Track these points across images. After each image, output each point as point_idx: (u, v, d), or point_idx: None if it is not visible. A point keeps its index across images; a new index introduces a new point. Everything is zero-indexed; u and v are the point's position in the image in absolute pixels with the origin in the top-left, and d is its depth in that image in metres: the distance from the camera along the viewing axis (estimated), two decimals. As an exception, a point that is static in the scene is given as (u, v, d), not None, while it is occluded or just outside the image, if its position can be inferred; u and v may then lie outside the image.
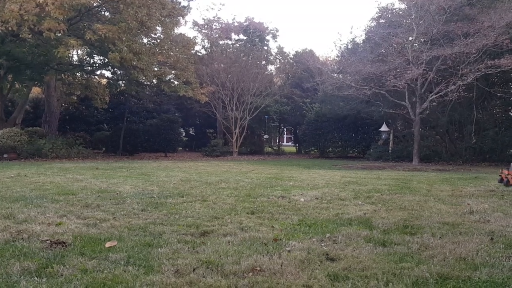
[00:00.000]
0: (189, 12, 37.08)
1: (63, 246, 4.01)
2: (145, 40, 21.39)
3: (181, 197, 7.16)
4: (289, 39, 50.80)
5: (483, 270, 3.42)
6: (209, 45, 30.19)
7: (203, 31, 30.48)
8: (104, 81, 26.19)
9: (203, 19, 35.51)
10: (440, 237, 4.49)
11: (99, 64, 23.36)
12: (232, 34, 31.83)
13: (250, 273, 3.34)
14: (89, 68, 23.85)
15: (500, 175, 9.63)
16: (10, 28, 15.16)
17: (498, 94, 19.70)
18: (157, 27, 20.25)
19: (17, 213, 5.47)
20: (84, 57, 24.55)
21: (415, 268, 3.45)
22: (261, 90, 25.98)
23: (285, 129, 39.75)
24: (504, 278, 3.27)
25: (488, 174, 13.24)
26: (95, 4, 18.17)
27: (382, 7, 21.92)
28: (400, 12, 21.52)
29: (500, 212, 5.97)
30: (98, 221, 5.14)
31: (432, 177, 12.05)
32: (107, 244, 4.07)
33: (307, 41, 77.84)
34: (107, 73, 25.56)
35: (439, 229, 4.89)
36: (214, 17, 30.72)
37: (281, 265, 3.50)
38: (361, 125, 26.12)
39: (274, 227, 4.96)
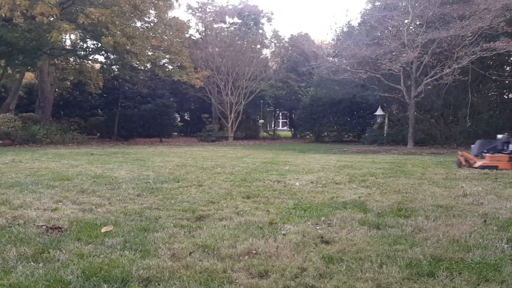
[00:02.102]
0: (183, -6, 36.64)
1: (59, 231, 4.02)
2: (138, 24, 21.18)
3: (176, 182, 7.17)
4: (284, 23, 50.64)
5: (476, 252, 3.47)
6: (203, 29, 29.92)
7: (197, 14, 30.17)
8: (97, 66, 25.98)
9: (197, 2, 35.00)
10: (433, 220, 4.53)
11: (92, 48, 23.14)
12: (227, 17, 31.54)
13: (246, 256, 3.37)
14: (82, 52, 23.61)
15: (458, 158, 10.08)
16: (2, 13, 14.95)
17: (493, 77, 19.73)
18: (150, 11, 20.04)
19: (13, 199, 5.47)
20: (77, 42, 24.29)
21: (408, 250, 3.49)
22: (256, 74, 25.86)
23: (280, 114, 39.74)
24: (497, 260, 3.31)
25: (482, 157, 13.31)
26: (87, -12, 17.94)
27: (378, -11, 21.77)
28: (396, -5, 21.37)
29: (493, 195, 6.03)
30: (94, 206, 5.15)
31: (427, 160, 12.12)
32: (103, 229, 4.09)
33: (303, 25, 77.34)
34: (101, 58, 25.36)
35: (432, 212, 4.94)
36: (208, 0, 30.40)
37: (277, 248, 3.53)
38: (356, 109, 26.14)
39: (269, 211, 4.98)
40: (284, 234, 3.97)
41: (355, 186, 6.88)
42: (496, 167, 9.29)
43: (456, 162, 10.17)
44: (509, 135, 10.54)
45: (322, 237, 3.88)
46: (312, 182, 7.25)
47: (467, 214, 4.79)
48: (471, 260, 3.30)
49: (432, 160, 12.33)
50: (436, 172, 8.93)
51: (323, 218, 4.60)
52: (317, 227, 4.25)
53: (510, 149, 9.74)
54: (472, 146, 10.77)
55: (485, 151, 9.92)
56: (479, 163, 9.66)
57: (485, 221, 4.49)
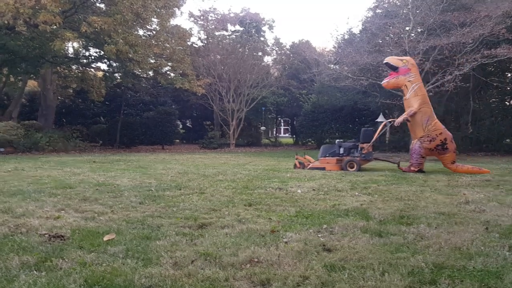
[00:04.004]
0: (185, 3, 36.79)
1: (61, 239, 4.03)
2: (140, 32, 21.29)
3: (178, 190, 7.18)
4: (285, 30, 50.81)
5: (478, 260, 3.46)
6: (205, 37, 30.04)
7: (199, 22, 30.32)
8: (100, 73, 26.07)
9: (199, 10, 35.34)
10: (435, 227, 4.53)
11: (94, 56, 23.25)
12: (228, 25, 31.69)
13: (248, 265, 3.37)
14: (84, 60, 23.71)
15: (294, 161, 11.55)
16: (6, 22, 15.06)
17: (495, 84, 19.74)
18: (153, 19, 20.15)
19: (15, 207, 5.48)
20: (80, 50, 24.41)
21: (410, 258, 3.49)
22: (258, 81, 25.93)
23: (282, 121, 39.77)
24: (499, 267, 3.31)
25: (485, 164, 13.30)
26: (90, -4, 18.06)
27: (378, -3, 21.87)
28: (397, 2, 21.49)
29: (495, 202, 6.02)
30: (96, 215, 5.16)
31: (428, 167, 12.10)
32: (106, 237, 4.10)
33: (304, 32, 77.62)
34: (103, 66, 25.44)
35: (434, 219, 4.93)
36: (210, 8, 30.68)
37: (279, 256, 3.54)
38: (358, 116, 26.14)
39: (271, 219, 4.99)
40: (286, 242, 3.97)
41: (357, 194, 6.88)
42: (323, 168, 10.90)
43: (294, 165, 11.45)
44: (345, 140, 12.12)
45: (324, 245, 3.88)
46: (314, 190, 7.25)
47: (469, 222, 4.79)
48: (473, 267, 3.30)
49: (433, 166, 12.31)
50: (438, 179, 8.92)
51: (325, 226, 4.60)
52: (319, 235, 4.25)
53: (341, 152, 11.16)
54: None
55: (327, 154, 11.29)
56: (310, 165, 11.16)
57: (487, 228, 4.48)
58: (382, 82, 11.96)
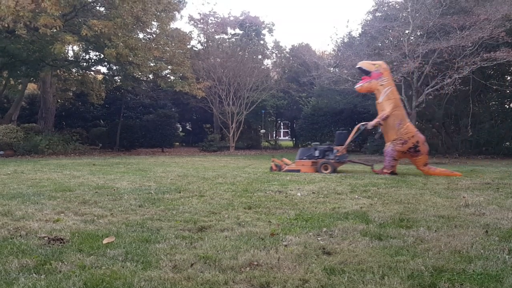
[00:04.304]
0: (185, 6, 36.97)
1: (61, 242, 4.03)
2: (141, 36, 21.34)
3: (178, 193, 7.18)
4: (285, 33, 50.95)
5: (478, 263, 3.46)
6: (205, 40, 30.10)
7: (199, 25, 30.39)
8: (100, 76, 26.10)
9: (199, 13, 35.32)
10: (435, 230, 4.53)
11: (94, 60, 23.28)
12: (228, 28, 31.76)
13: (248, 268, 3.37)
14: (84, 64, 23.75)
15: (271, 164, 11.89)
16: (6, 25, 15.09)
17: (494, 87, 19.76)
18: (153, 22, 20.20)
19: (15, 210, 5.48)
20: (80, 53, 24.45)
21: (410, 261, 3.48)
22: (257, 84, 25.97)
23: (281, 124, 39.79)
24: (498, 271, 3.31)
25: (484, 167, 13.31)
26: (90, 0, 18.09)
27: (378, 0, 21.92)
28: (396, 5, 21.52)
29: (495, 205, 6.02)
30: (95, 218, 5.15)
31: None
32: (105, 240, 4.09)
33: (304, 35, 77.70)
34: (103, 69, 25.49)
35: (434, 222, 4.93)
36: (210, 11, 30.73)
37: (278, 260, 3.53)
38: (358, 119, 26.12)
39: (271, 222, 4.98)
40: (285, 245, 3.97)
41: (356, 197, 6.87)
42: (299, 170, 11.14)
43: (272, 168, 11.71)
44: (321, 143, 12.44)
45: (323, 248, 3.88)
46: (313, 193, 7.25)
47: (468, 225, 4.78)
48: (473, 271, 3.30)
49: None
50: (438, 182, 8.92)
51: (324, 229, 4.59)
52: (319, 238, 4.25)
53: (316, 155, 11.46)
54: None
55: (304, 157, 11.55)
56: (286, 167, 11.42)
57: (486, 231, 4.48)
58: (355, 86, 12.14)
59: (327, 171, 10.98)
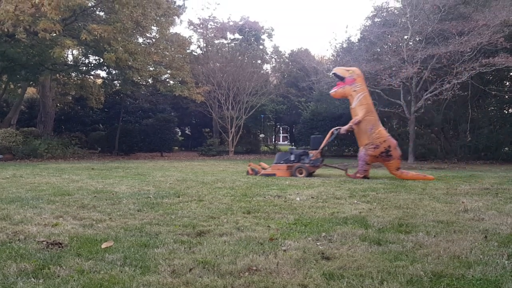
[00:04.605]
0: (184, 11, 37.08)
1: (59, 247, 4.02)
2: (140, 40, 21.39)
3: (177, 197, 7.17)
4: (284, 38, 51.09)
5: (477, 268, 3.45)
6: (205, 45, 30.17)
7: (199, 30, 30.46)
8: (99, 81, 26.13)
9: (198, 18, 35.49)
10: (434, 236, 4.52)
11: (94, 64, 23.32)
12: (228, 33, 31.83)
13: (246, 273, 3.36)
14: (84, 68, 23.79)
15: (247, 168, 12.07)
16: (5, 29, 15.11)
17: (493, 92, 19.81)
18: (153, 27, 20.25)
19: (13, 214, 5.47)
20: (79, 57, 24.49)
21: (409, 267, 3.48)
22: (257, 89, 26.00)
23: (281, 128, 39.85)
24: (498, 276, 3.30)
25: (483, 172, 13.32)
26: (90, 4, 18.15)
27: (377, 6, 22.08)
28: (395, 11, 21.60)
29: (494, 210, 6.02)
30: (94, 222, 5.14)
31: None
32: (104, 245, 4.08)
33: (303, 40, 77.92)
34: (102, 73, 25.52)
35: (433, 228, 4.93)
36: (209, 16, 30.80)
37: (277, 265, 3.53)
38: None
39: (270, 227, 4.98)
40: (284, 250, 3.96)
41: (355, 201, 6.87)
42: (274, 174, 11.34)
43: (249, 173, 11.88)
44: (298, 147, 12.22)
45: (322, 253, 3.87)
46: (312, 197, 7.25)
47: (468, 230, 4.78)
48: (472, 276, 3.29)
49: (432, 175, 12.30)
50: (437, 187, 8.92)
51: (323, 234, 4.59)
52: (318, 243, 4.24)
53: (291, 159, 11.69)
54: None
55: (281, 161, 11.77)
56: (263, 171, 11.60)
57: (486, 237, 4.48)
58: (330, 91, 12.41)
59: (302, 175, 11.21)
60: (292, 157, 11.71)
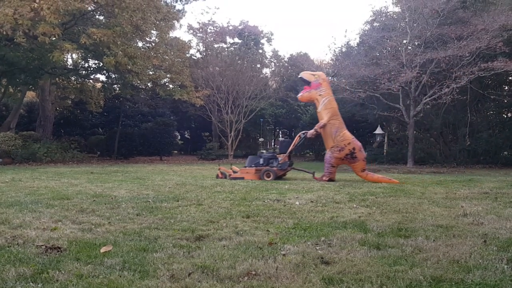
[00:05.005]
0: (184, 15, 37.15)
1: (58, 251, 4.01)
2: (140, 44, 21.41)
3: (176, 201, 7.15)
4: (284, 43, 51.19)
5: (476, 273, 3.45)
6: (204, 49, 30.26)
7: (198, 34, 30.55)
8: (98, 85, 26.16)
9: (198, 22, 35.58)
10: (433, 240, 4.52)
11: (93, 68, 23.35)
12: (227, 37, 31.94)
13: (246, 277, 3.35)
14: (83, 72, 23.81)
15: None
16: (4, 33, 15.13)
17: (492, 97, 19.86)
18: (152, 31, 20.29)
19: (12, 218, 5.45)
20: (79, 61, 24.52)
21: (409, 271, 3.47)
22: (256, 93, 26.04)
23: (280, 132, 39.83)
24: (497, 281, 3.30)
25: (482, 177, 13.32)
26: (89, 9, 18.18)
27: (376, 10, 22.09)
28: (394, 16, 21.67)
29: (493, 215, 6.01)
30: (93, 226, 5.13)
31: (427, 179, 12.11)
32: (102, 249, 4.07)
33: (302, 45, 78.16)
34: (102, 77, 25.57)
35: (433, 232, 4.92)
36: (209, 20, 30.85)
37: (276, 269, 3.52)
38: (356, 128, 26.18)
39: (269, 231, 4.97)
40: (284, 255, 3.95)
41: (355, 206, 6.86)
42: (243, 178, 11.43)
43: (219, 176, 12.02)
44: (267, 151, 12.40)
45: (322, 258, 3.86)
46: (312, 201, 7.24)
47: (467, 234, 4.77)
48: (471, 281, 3.29)
49: (432, 179, 12.31)
50: (436, 191, 8.92)
51: (323, 238, 4.58)
52: (317, 247, 4.23)
53: (260, 163, 11.84)
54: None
55: (252, 165, 11.89)
56: (232, 175, 11.72)
57: (485, 241, 4.47)
58: (298, 95, 12.69)
59: (269, 178, 11.37)
60: (261, 161, 11.90)
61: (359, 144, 11.50)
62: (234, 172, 11.95)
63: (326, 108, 11.40)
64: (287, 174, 12.53)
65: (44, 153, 19.18)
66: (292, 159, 12.37)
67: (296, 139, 12.03)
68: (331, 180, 11.21)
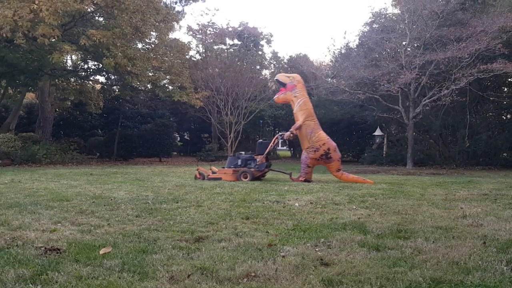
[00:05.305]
0: (184, 17, 37.19)
1: (57, 252, 4.01)
2: (139, 45, 21.42)
3: (175, 203, 7.15)
4: (283, 44, 51.20)
5: (476, 274, 3.45)
6: (204, 50, 30.26)
7: (198, 36, 30.56)
8: (98, 86, 26.15)
9: (197, 24, 35.62)
10: (433, 241, 4.52)
11: (93, 69, 23.35)
12: (227, 39, 31.93)
13: (245, 279, 3.35)
14: (83, 73, 23.81)
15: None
16: (4, 34, 15.12)
17: (491, 98, 19.88)
18: (152, 32, 20.29)
19: (12, 220, 5.45)
20: (78, 63, 24.51)
21: (408, 273, 3.47)
22: (255, 94, 26.04)
23: (279, 133, 39.85)
24: (496, 282, 3.30)
25: (482, 178, 13.33)
26: (89, 10, 18.17)
27: (375, 12, 22.13)
28: (393, 17, 21.71)
29: (493, 216, 6.02)
30: (92, 228, 5.13)
31: (426, 181, 12.12)
32: (102, 251, 4.07)
33: (301, 46, 78.06)
34: (101, 78, 25.56)
35: (432, 233, 4.92)
36: (208, 22, 30.83)
37: (276, 271, 3.52)
38: (355, 130, 26.23)
39: (268, 232, 4.97)
40: (283, 256, 3.95)
41: (354, 207, 6.86)
42: (220, 178, 11.56)
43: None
44: (246, 152, 13.20)
45: (321, 259, 3.86)
46: (311, 203, 7.24)
47: (466, 236, 4.78)
48: (471, 282, 3.29)
49: (431, 180, 12.32)
50: (436, 193, 8.92)
51: (322, 240, 4.58)
52: (317, 249, 4.23)
53: (238, 164, 11.99)
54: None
55: (232, 166, 12.03)
56: (210, 175, 11.85)
57: (484, 242, 4.47)
58: (274, 97, 13.01)
59: (246, 179, 11.52)
60: (239, 162, 12.07)
61: (334, 144, 11.72)
62: (213, 172, 12.06)
63: (301, 109, 11.61)
64: (266, 175, 12.64)
65: (43, 155, 19.16)
66: (270, 160, 12.55)
67: (273, 141, 12.32)
68: (307, 180, 11.39)
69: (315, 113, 12.17)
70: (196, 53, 30.33)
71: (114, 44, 17.12)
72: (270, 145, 12.16)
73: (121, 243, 4.41)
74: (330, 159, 11.44)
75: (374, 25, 22.07)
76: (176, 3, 27.36)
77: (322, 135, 11.58)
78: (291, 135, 11.74)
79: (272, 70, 34.10)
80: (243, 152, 13.11)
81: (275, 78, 12.57)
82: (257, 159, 11.92)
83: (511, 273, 3.51)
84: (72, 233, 4.82)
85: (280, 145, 43.82)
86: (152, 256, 3.94)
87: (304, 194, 8.44)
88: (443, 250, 4.14)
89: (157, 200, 7.45)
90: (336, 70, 22.43)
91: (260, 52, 32.53)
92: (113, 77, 23.89)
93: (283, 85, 12.00)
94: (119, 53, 17.43)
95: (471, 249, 4.21)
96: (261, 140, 13.77)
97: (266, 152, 11.97)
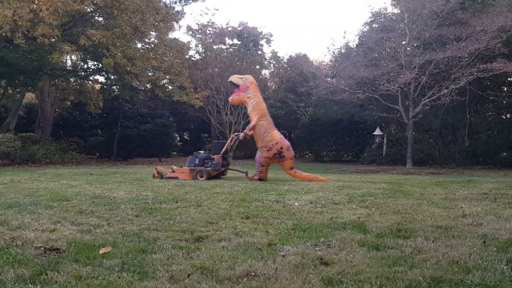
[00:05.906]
0: (183, 17, 37.17)
1: (57, 252, 4.00)
2: (139, 45, 21.42)
3: (175, 202, 7.15)
4: (283, 44, 51.18)
5: (476, 273, 3.45)
6: (203, 50, 30.24)
7: (197, 35, 30.55)
8: (97, 86, 26.15)
9: (197, 24, 35.58)
10: (433, 241, 4.52)
11: (93, 69, 23.34)
12: (226, 38, 31.91)
13: (245, 279, 3.35)
14: (82, 73, 23.80)
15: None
16: (3, 34, 15.12)
17: (491, 98, 19.88)
18: (151, 32, 20.29)
19: (11, 220, 5.44)
20: (78, 63, 24.51)
21: (408, 272, 3.47)
22: (255, 94, 26.01)
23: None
24: (496, 281, 3.30)
25: (481, 177, 13.33)
26: (89, 10, 18.16)
27: (375, 11, 22.12)
28: (393, 17, 21.71)
29: (493, 215, 6.01)
30: (92, 227, 5.12)
31: (426, 180, 12.12)
32: (101, 251, 4.06)
33: (301, 46, 78.01)
34: (101, 78, 25.56)
35: (432, 233, 4.92)
36: (208, 22, 30.81)
37: (276, 270, 3.51)
38: (355, 129, 26.22)
39: (268, 232, 4.96)
40: (283, 256, 3.95)
41: (354, 207, 6.86)
42: (177, 178, 11.64)
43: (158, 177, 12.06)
44: (205, 151, 13.48)
45: (321, 259, 3.86)
46: (311, 202, 7.23)
47: (466, 235, 4.77)
48: (471, 281, 3.29)
49: (431, 180, 12.32)
50: (435, 192, 8.92)
51: (322, 239, 4.57)
52: (317, 248, 4.23)
53: (196, 163, 12.04)
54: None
55: (192, 165, 12.05)
56: (168, 175, 11.93)
57: (484, 242, 4.47)
58: (229, 99, 13.20)
59: (202, 178, 11.62)
60: (197, 161, 12.16)
61: (287, 143, 11.89)
62: (173, 171, 12.16)
63: (254, 110, 11.80)
64: (226, 173, 12.87)
65: (43, 155, 19.16)
66: (228, 160, 12.75)
67: (229, 141, 12.51)
68: (261, 179, 11.56)
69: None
70: (196, 53, 30.35)
71: (113, 44, 17.12)
72: (226, 144, 12.32)
73: (121, 242, 4.40)
74: (283, 157, 11.60)
75: (374, 25, 22.07)
76: (175, 3, 27.35)
77: (275, 134, 11.78)
78: (245, 136, 12.00)
79: (272, 70, 34.12)
80: (201, 151, 13.23)
81: (229, 80, 12.77)
82: (214, 158, 12.06)
83: (511, 272, 3.51)
84: (72, 233, 4.82)
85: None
86: (152, 255, 3.93)
87: (303, 194, 8.43)
88: (443, 250, 4.14)
89: (157, 199, 7.44)
90: (336, 69, 22.43)
91: (259, 52, 32.51)
92: (112, 77, 23.88)
93: (237, 86, 12.19)
94: (119, 53, 17.42)
95: (471, 248, 4.20)
96: (217, 140, 13.98)
97: (222, 152, 12.15)
